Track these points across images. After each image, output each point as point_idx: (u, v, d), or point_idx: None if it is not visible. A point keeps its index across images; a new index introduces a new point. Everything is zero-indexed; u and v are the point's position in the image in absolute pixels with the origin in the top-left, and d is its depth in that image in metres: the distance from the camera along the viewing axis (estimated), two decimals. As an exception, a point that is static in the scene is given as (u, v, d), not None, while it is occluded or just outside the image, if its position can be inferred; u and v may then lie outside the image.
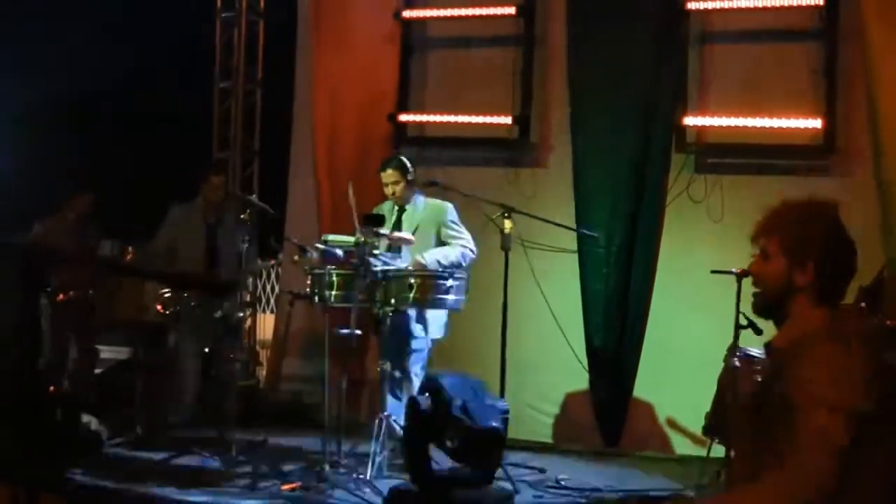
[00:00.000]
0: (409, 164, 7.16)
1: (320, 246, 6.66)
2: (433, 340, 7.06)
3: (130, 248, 7.82)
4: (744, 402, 3.20)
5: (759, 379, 3.09)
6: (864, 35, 7.28)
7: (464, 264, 6.96)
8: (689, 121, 7.78)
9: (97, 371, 8.49)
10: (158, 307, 7.44)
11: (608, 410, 7.87)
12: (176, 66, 10.37)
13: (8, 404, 5.40)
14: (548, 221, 7.38)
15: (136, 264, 7.65)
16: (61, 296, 7.77)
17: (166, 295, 7.42)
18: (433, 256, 6.87)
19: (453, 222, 7.12)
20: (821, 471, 2.70)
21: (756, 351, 6.26)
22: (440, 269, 6.74)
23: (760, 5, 7.63)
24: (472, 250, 7.04)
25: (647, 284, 7.84)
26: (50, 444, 6.15)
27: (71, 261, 7.66)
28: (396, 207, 7.24)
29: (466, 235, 7.10)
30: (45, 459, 5.87)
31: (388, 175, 7.13)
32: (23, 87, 9.02)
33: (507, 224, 6.77)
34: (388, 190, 7.17)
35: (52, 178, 8.98)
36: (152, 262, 7.64)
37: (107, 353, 8.88)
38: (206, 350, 7.62)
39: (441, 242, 7.09)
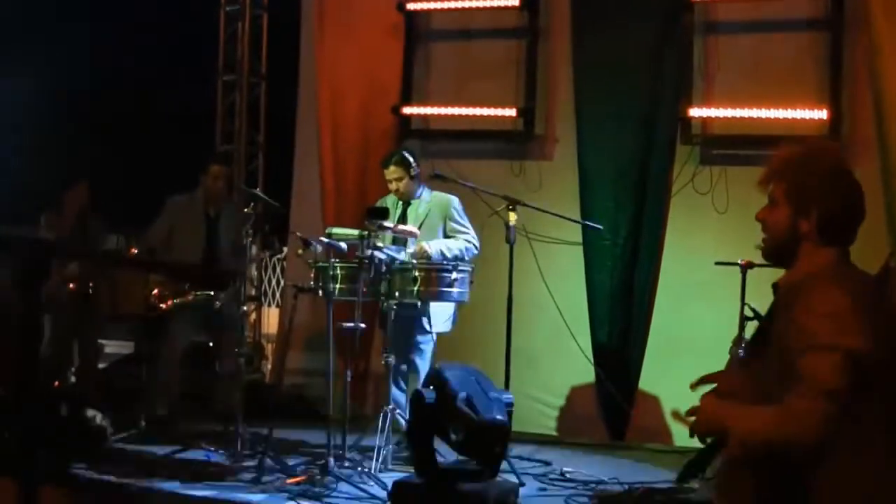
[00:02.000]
0: (411, 159, 7.13)
1: (324, 239, 6.64)
2: (438, 333, 7.05)
3: (133, 243, 7.81)
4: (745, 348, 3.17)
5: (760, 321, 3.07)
6: (870, 25, 7.24)
7: (466, 258, 6.95)
8: (694, 112, 7.76)
9: (101, 365, 8.48)
10: (153, 300, 7.42)
11: (613, 403, 7.86)
12: (180, 60, 10.37)
13: (11, 398, 5.40)
14: (553, 214, 7.36)
15: (139, 258, 7.64)
16: (66, 288, 7.76)
17: (161, 289, 7.40)
18: (437, 246, 6.88)
19: (458, 216, 7.11)
20: (813, 413, 2.66)
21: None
22: (443, 262, 6.73)
23: (765, -4, 7.61)
24: (475, 245, 7.04)
25: (652, 276, 7.83)
26: (54, 439, 6.17)
27: (73, 255, 7.64)
28: (400, 202, 7.23)
29: (471, 230, 7.09)
30: (49, 454, 5.87)
31: (391, 171, 7.11)
32: (26, 81, 9.01)
33: (512, 217, 6.75)
34: (392, 186, 7.16)
35: (55, 172, 8.98)
36: (148, 253, 7.62)
37: (111, 347, 8.89)
38: (210, 344, 7.61)
39: (446, 236, 7.08)
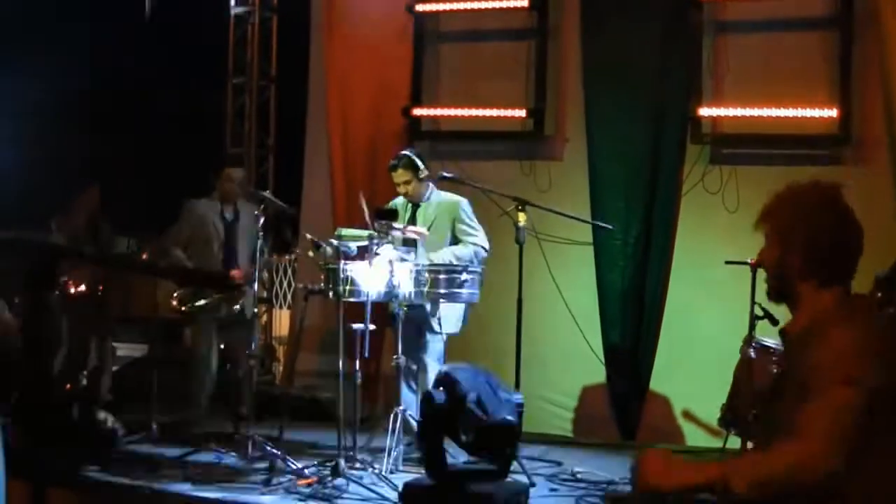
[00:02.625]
0: (419, 162, 7.12)
1: (334, 241, 6.65)
2: (448, 334, 7.05)
3: (147, 247, 7.83)
4: (763, 393, 3.16)
5: (776, 369, 3.05)
6: (880, 24, 7.24)
7: (476, 262, 6.93)
8: (704, 112, 7.76)
9: (113, 368, 8.50)
10: (174, 303, 7.45)
11: (624, 403, 7.86)
12: (189, 62, 10.39)
13: (24, 401, 5.42)
14: (563, 214, 7.35)
15: (150, 262, 7.66)
16: (73, 292, 7.78)
17: (182, 291, 7.44)
18: (445, 257, 6.86)
19: (467, 218, 7.10)
20: (835, 440, 2.64)
21: (772, 341, 6.23)
22: (454, 265, 6.73)
23: (775, -6, 7.60)
24: (484, 248, 7.01)
25: (662, 276, 7.83)
26: (65, 441, 6.18)
27: (85, 259, 7.67)
28: (410, 204, 7.23)
29: (480, 232, 7.07)
30: (60, 456, 5.90)
31: (399, 175, 7.10)
32: (37, 84, 9.04)
33: (522, 217, 6.74)
34: (401, 189, 7.15)
35: (66, 175, 9.01)
36: (168, 257, 7.64)
37: (123, 350, 8.91)
38: (222, 346, 7.63)
39: (455, 238, 7.07)
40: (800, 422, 2.69)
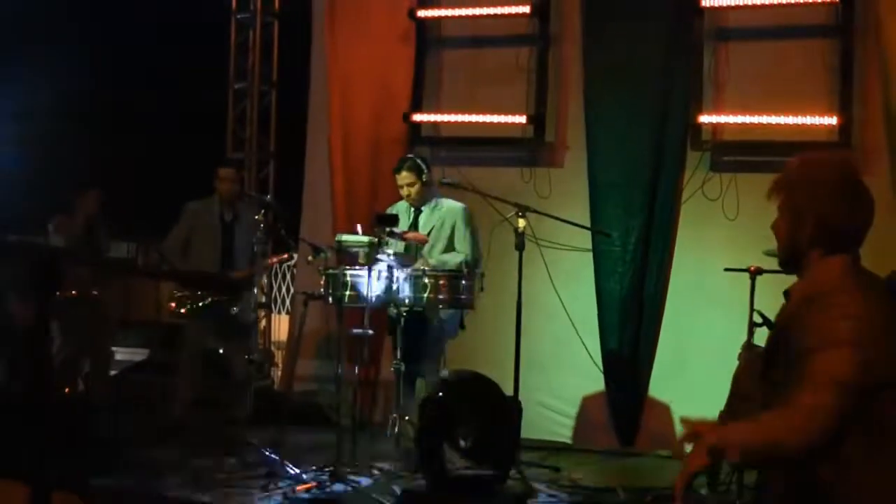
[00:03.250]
0: (423, 166, 7.16)
1: (334, 246, 6.66)
2: (447, 340, 7.06)
3: (147, 251, 7.85)
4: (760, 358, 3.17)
5: (775, 326, 3.06)
6: (881, 31, 7.25)
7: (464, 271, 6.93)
8: (704, 118, 7.76)
9: (113, 372, 8.51)
10: (172, 306, 7.46)
11: (623, 409, 7.86)
12: (191, 67, 10.40)
13: (23, 404, 5.42)
14: (562, 220, 7.36)
15: (148, 265, 7.67)
16: (70, 294, 7.78)
17: (179, 294, 7.45)
18: (433, 263, 6.90)
19: (464, 226, 7.11)
20: (823, 408, 2.66)
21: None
22: (452, 270, 6.75)
23: (776, 2, 7.60)
24: (468, 263, 6.96)
25: (661, 283, 7.83)
26: (65, 444, 6.18)
27: (83, 262, 7.67)
28: (412, 209, 7.24)
29: (469, 244, 7.07)
30: (60, 459, 5.89)
31: (403, 177, 7.12)
32: (37, 87, 9.06)
33: (522, 223, 6.75)
34: (404, 192, 7.17)
35: (65, 178, 9.01)
36: (167, 260, 7.65)
37: (123, 354, 8.91)
38: (221, 350, 7.63)
39: (453, 244, 7.09)
40: (789, 392, 2.72)
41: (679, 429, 4.04)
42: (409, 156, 7.32)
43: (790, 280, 3.06)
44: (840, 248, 2.91)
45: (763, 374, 3.00)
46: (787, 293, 3.04)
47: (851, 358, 2.68)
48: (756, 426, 2.78)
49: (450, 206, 7.20)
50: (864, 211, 2.93)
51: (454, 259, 6.98)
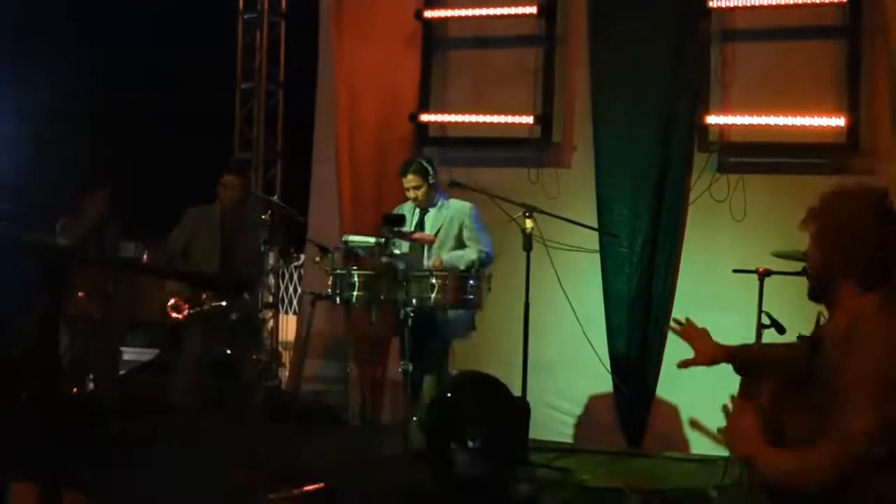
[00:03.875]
0: (429, 167, 7.16)
1: (341, 247, 6.67)
2: (455, 340, 7.06)
3: (150, 251, 7.85)
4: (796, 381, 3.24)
5: (809, 364, 3.10)
6: (889, 32, 7.24)
7: (478, 267, 6.96)
8: (712, 119, 7.75)
9: (121, 372, 8.52)
10: (170, 308, 7.46)
11: (630, 411, 7.85)
12: (198, 67, 10.41)
13: (32, 404, 5.42)
14: (570, 221, 7.36)
15: (153, 264, 7.67)
16: (79, 294, 7.79)
17: (178, 298, 7.45)
18: (451, 260, 6.88)
19: (473, 223, 7.12)
20: (842, 459, 2.73)
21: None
22: (460, 271, 6.75)
23: (783, 2, 7.59)
24: (488, 254, 7.03)
25: (669, 284, 7.82)
26: (73, 444, 6.19)
27: (90, 261, 7.67)
28: (418, 209, 7.24)
29: (485, 238, 7.10)
30: (68, 458, 5.90)
31: (410, 180, 7.12)
32: (44, 87, 9.07)
33: (529, 224, 6.75)
34: (411, 194, 7.17)
35: (72, 178, 9.02)
36: (166, 261, 7.66)
37: (130, 354, 8.92)
38: (228, 351, 7.64)
39: (462, 243, 7.09)
40: (825, 429, 2.76)
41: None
42: (415, 158, 7.30)
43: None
44: (873, 280, 2.93)
45: (807, 410, 3.02)
46: (816, 334, 3.07)
47: (875, 414, 2.72)
48: (783, 462, 2.88)
49: (457, 206, 7.20)
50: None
51: (468, 255, 6.98)
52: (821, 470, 2.74)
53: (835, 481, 2.72)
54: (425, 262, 6.94)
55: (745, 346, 3.65)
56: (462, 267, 6.86)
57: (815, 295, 3.08)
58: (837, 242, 2.94)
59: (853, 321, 2.88)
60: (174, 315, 7.47)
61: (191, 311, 7.45)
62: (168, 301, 7.50)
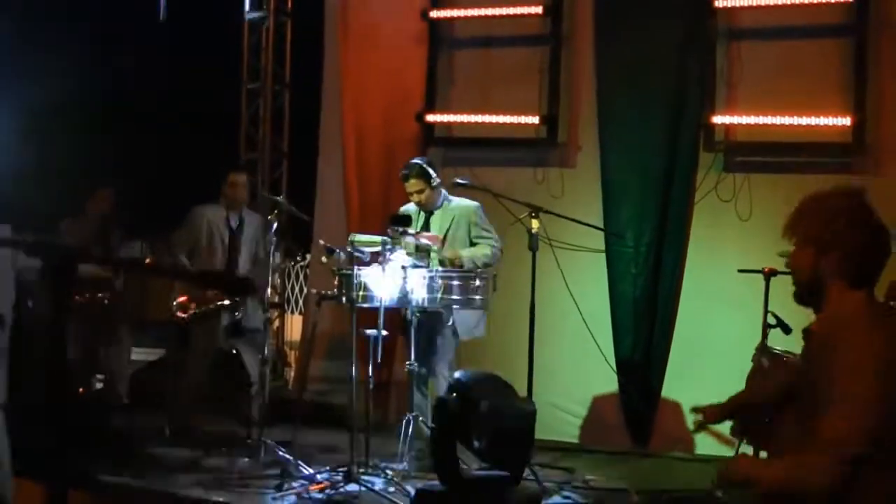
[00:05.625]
0: (431, 170, 7.13)
1: (348, 247, 6.67)
2: (468, 339, 7.06)
3: (156, 250, 7.86)
4: (777, 396, 3.28)
5: (798, 365, 3.12)
6: (894, 31, 7.22)
7: (493, 263, 6.97)
8: (718, 119, 7.75)
9: (128, 371, 8.53)
10: (176, 308, 7.46)
11: (636, 411, 7.85)
12: (203, 67, 10.41)
13: (38, 403, 5.43)
14: (575, 221, 7.36)
15: (159, 264, 7.68)
16: (86, 295, 7.81)
17: (182, 301, 7.45)
18: (469, 256, 6.89)
19: (481, 221, 7.13)
20: (839, 461, 2.74)
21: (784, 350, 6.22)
22: (469, 269, 6.75)
23: (789, 2, 7.59)
24: (500, 249, 7.06)
25: (675, 284, 7.82)
26: (80, 443, 6.20)
27: (95, 261, 7.68)
28: (422, 211, 7.24)
29: (493, 233, 7.11)
30: (75, 458, 5.91)
31: (412, 184, 7.10)
32: (51, 87, 9.08)
33: (535, 224, 6.75)
34: (414, 198, 7.15)
35: (78, 178, 9.04)
36: (172, 262, 7.65)
37: (137, 353, 8.94)
38: (234, 351, 7.65)
39: (471, 242, 7.09)
40: (816, 432, 2.76)
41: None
42: (414, 162, 7.25)
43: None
44: (861, 280, 2.94)
45: (796, 414, 3.04)
46: (806, 332, 3.07)
47: (865, 423, 2.75)
48: (781, 470, 2.91)
49: (462, 205, 7.20)
50: (883, 240, 2.98)
51: (483, 251, 6.98)
52: (818, 474, 2.77)
53: (835, 484, 2.74)
54: (432, 262, 6.93)
55: (738, 398, 3.67)
56: (480, 264, 6.87)
57: (803, 298, 3.09)
58: (829, 246, 2.94)
59: (840, 321, 2.90)
60: (180, 314, 7.48)
61: (197, 311, 7.46)
62: (175, 300, 7.51)
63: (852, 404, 2.73)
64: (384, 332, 6.40)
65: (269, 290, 7.20)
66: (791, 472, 2.85)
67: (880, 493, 2.79)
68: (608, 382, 7.93)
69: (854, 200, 3.00)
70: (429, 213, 7.21)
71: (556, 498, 6.23)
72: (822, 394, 2.80)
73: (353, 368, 6.41)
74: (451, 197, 7.26)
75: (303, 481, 6.20)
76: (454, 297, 6.60)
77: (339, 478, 6.18)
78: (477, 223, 7.12)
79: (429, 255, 6.98)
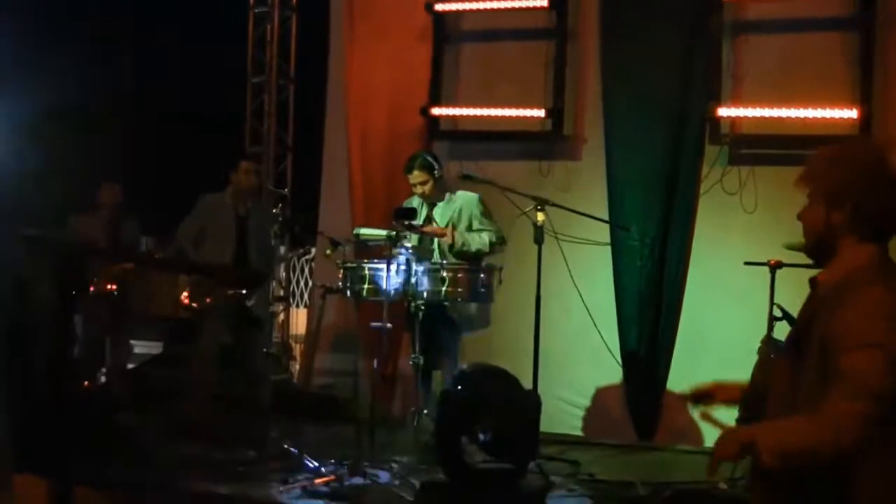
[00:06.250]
0: (434, 162, 7.14)
1: (352, 240, 6.67)
2: (466, 334, 7.06)
3: (161, 245, 7.86)
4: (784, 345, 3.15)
5: (800, 316, 3.02)
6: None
7: (487, 252, 6.98)
8: (723, 112, 7.73)
9: (132, 366, 8.53)
10: (185, 301, 7.46)
11: (641, 404, 7.85)
12: (208, 61, 10.41)
13: (44, 398, 5.45)
14: (581, 214, 7.35)
15: (165, 258, 7.68)
16: (91, 289, 7.81)
17: (192, 289, 7.46)
18: (459, 238, 6.92)
19: (484, 213, 7.13)
20: (855, 415, 2.61)
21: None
22: (470, 264, 6.76)
23: (795, -6, 7.57)
24: (500, 238, 7.07)
25: (680, 276, 7.82)
26: (85, 438, 6.21)
27: (103, 255, 7.68)
28: (426, 204, 7.24)
29: (496, 225, 7.12)
30: (80, 453, 5.92)
31: (416, 176, 7.11)
32: (57, 83, 9.08)
33: (540, 217, 6.75)
34: (417, 190, 7.16)
35: (85, 173, 9.04)
36: (178, 253, 7.66)
37: (140, 347, 8.94)
38: (239, 344, 7.65)
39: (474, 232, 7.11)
40: (820, 390, 2.68)
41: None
42: (419, 153, 7.27)
43: (808, 275, 3.03)
44: (875, 235, 2.88)
45: (791, 364, 2.94)
46: (813, 281, 2.99)
47: (884, 365, 2.63)
48: (790, 432, 2.72)
49: (465, 197, 7.21)
50: None
51: (483, 237, 6.99)
52: (840, 431, 2.60)
53: (857, 442, 2.60)
54: (436, 255, 6.94)
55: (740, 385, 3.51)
56: (474, 248, 6.88)
57: (816, 253, 2.99)
58: (841, 194, 2.87)
59: (849, 275, 2.84)
60: (186, 308, 7.48)
61: (203, 304, 7.46)
62: (180, 294, 7.51)
63: (871, 351, 2.65)
64: (389, 326, 6.40)
65: (273, 284, 7.20)
66: (811, 425, 2.65)
67: (888, 469, 2.73)
68: (613, 375, 7.93)
69: (871, 153, 2.95)
70: (432, 206, 7.22)
71: (562, 491, 6.23)
72: (836, 343, 2.71)
73: (359, 362, 6.42)
74: (453, 189, 7.27)
75: (308, 474, 6.19)
76: (459, 289, 6.60)
77: (345, 471, 6.18)
78: (479, 214, 7.12)
79: (433, 247, 6.99)
